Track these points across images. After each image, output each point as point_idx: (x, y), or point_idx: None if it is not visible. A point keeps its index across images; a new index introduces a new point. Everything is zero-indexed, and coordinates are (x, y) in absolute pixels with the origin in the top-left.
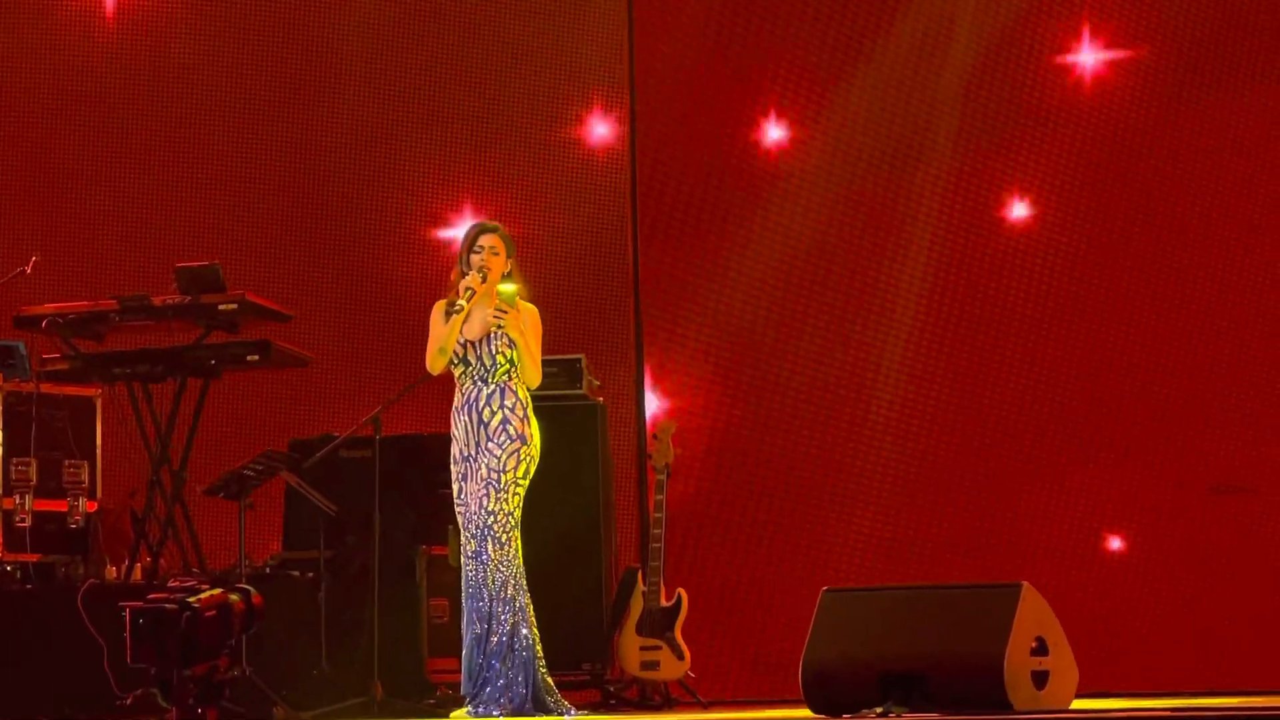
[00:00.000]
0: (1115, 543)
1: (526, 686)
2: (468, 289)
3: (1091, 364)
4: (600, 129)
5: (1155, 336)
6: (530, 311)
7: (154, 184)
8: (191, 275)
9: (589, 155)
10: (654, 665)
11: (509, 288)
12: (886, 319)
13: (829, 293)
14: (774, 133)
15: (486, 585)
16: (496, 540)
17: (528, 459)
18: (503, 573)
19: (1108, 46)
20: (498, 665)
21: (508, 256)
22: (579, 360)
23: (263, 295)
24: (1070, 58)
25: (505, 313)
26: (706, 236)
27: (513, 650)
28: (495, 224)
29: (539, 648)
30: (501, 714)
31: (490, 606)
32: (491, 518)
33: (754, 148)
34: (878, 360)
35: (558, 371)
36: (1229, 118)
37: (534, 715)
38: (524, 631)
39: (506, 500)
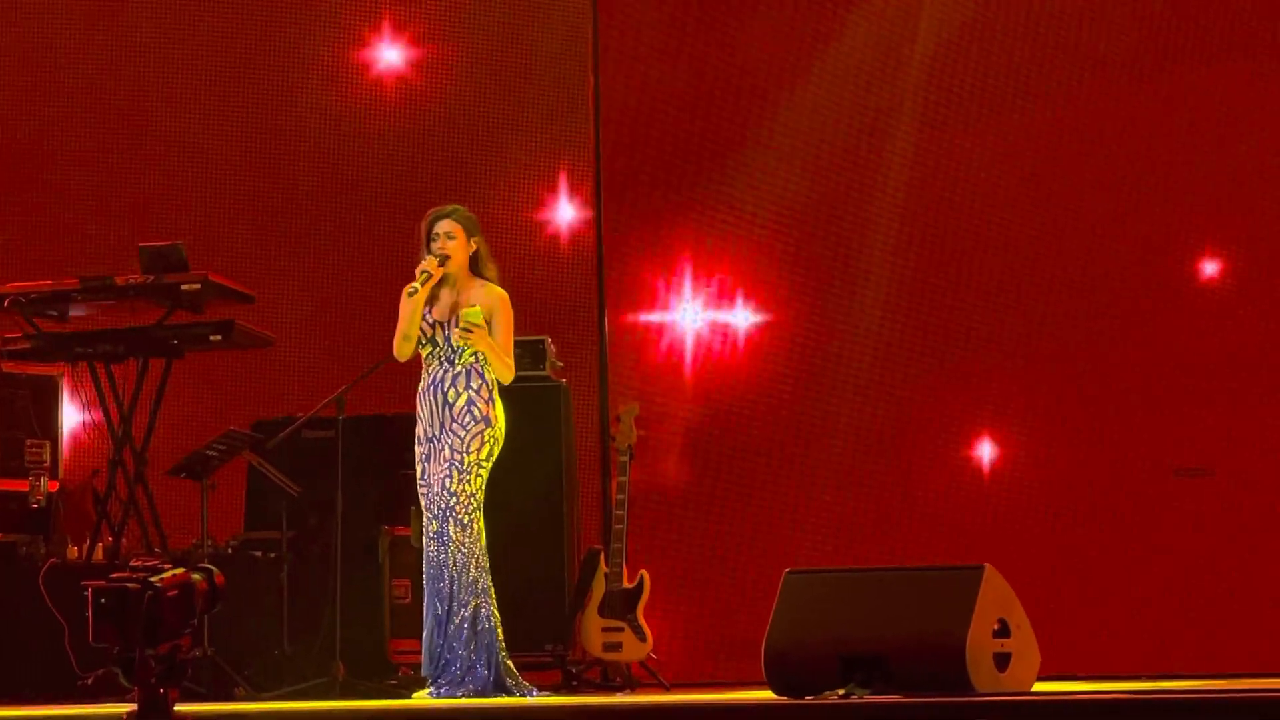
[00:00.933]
0: (1078, 526)
1: (488, 669)
2: (423, 272)
3: (1056, 347)
4: (566, 127)
5: (1118, 319)
6: (499, 298)
7: (118, 163)
8: (154, 255)
9: (551, 127)
10: (616, 647)
11: (473, 309)
12: (850, 298)
13: (792, 272)
14: (742, 110)
15: (448, 566)
16: (458, 521)
17: (491, 441)
18: (464, 554)
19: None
20: (459, 648)
21: (469, 237)
22: (543, 341)
23: (226, 275)
24: None
25: (470, 332)
26: (671, 213)
27: (475, 632)
28: (453, 207)
29: (500, 630)
30: (464, 696)
31: (451, 588)
32: (454, 499)
33: (722, 120)
34: (842, 340)
35: (522, 353)
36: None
37: (495, 697)
38: (485, 613)
39: (469, 481)
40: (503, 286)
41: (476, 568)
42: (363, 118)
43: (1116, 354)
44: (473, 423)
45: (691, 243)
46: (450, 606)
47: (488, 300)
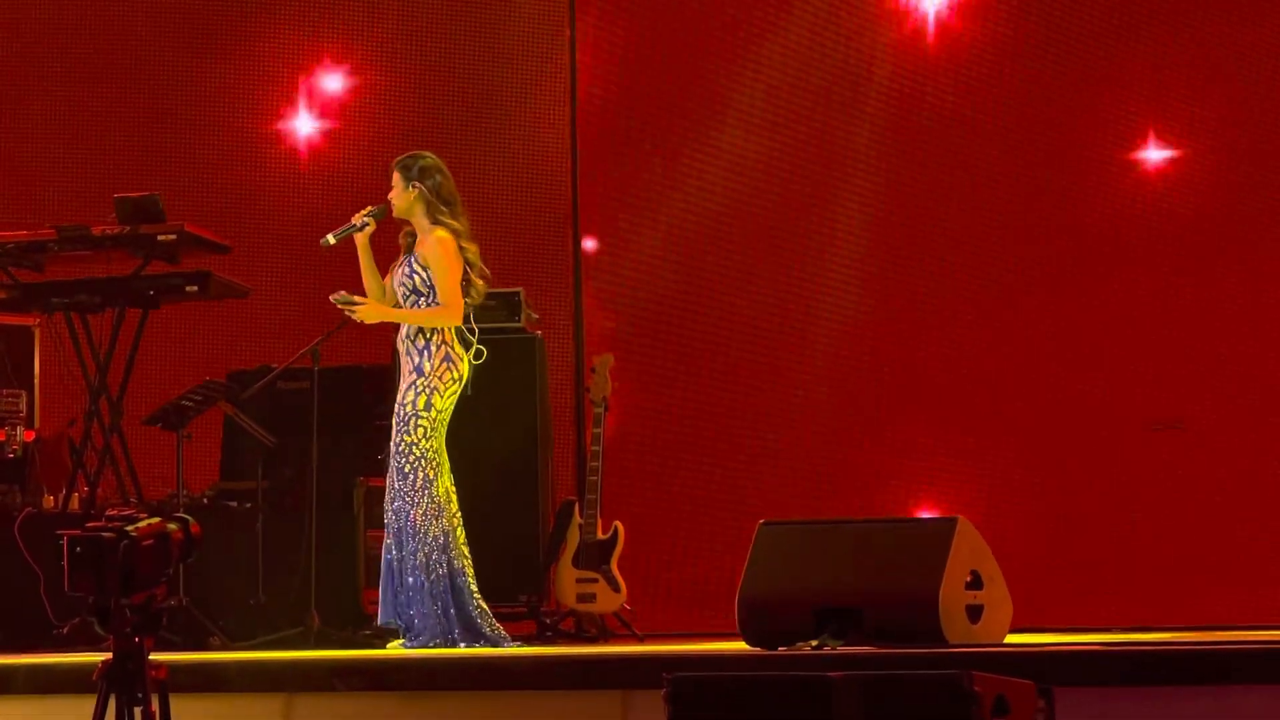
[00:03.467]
0: (1051, 478)
1: (446, 617)
2: (350, 224)
3: (1029, 300)
4: (542, 81)
5: (1093, 273)
6: (436, 241)
7: (94, 113)
8: (131, 205)
9: (528, 82)
10: (590, 598)
11: (338, 294)
12: (825, 253)
13: (769, 225)
14: (717, 70)
15: (393, 515)
16: (399, 470)
17: (427, 391)
18: (408, 504)
19: None
20: (418, 600)
21: (407, 183)
22: (518, 293)
23: (202, 226)
24: None
25: (352, 311)
26: (647, 167)
27: (430, 581)
28: (403, 156)
29: (469, 576)
30: (433, 646)
31: (398, 538)
32: (395, 448)
33: (698, 80)
34: (817, 294)
35: (496, 305)
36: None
37: (465, 645)
38: (437, 560)
39: (409, 432)
40: (468, 226)
41: (424, 517)
42: (341, 59)
43: (1091, 307)
44: (410, 373)
45: (664, 199)
46: (400, 556)
47: (424, 247)
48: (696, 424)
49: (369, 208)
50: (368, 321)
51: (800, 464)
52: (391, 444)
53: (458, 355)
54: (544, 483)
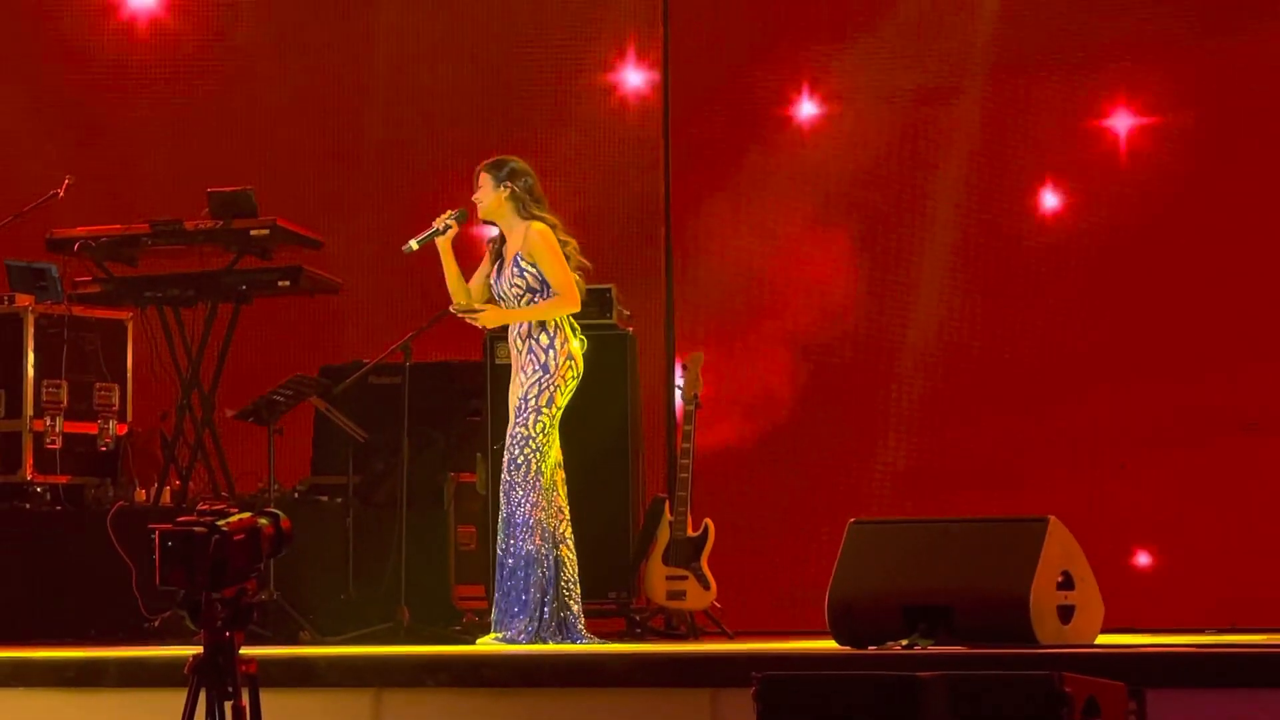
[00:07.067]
0: (1143, 479)
1: (543, 610)
2: (433, 229)
3: (1121, 300)
4: (633, 76)
5: (1188, 269)
6: (536, 235)
7: (189, 107)
8: (224, 200)
9: (620, 86)
10: (680, 595)
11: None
12: (915, 250)
13: (859, 224)
14: (810, 69)
15: (505, 504)
16: (513, 460)
17: (550, 388)
18: (520, 493)
19: None
20: (520, 590)
21: (497, 184)
22: (609, 290)
23: (294, 221)
24: None
25: (475, 315)
26: (739, 164)
27: (530, 573)
28: (490, 160)
29: (567, 572)
30: (525, 640)
31: (507, 527)
32: (511, 439)
33: (794, 72)
34: (910, 292)
35: (589, 301)
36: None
37: (553, 642)
38: (545, 553)
39: (526, 425)
40: (561, 222)
41: (530, 507)
42: (433, 59)
43: (1185, 306)
44: (533, 370)
45: (758, 194)
46: (506, 545)
47: (527, 244)
48: (787, 422)
49: (450, 211)
50: (490, 326)
51: (891, 463)
52: (508, 434)
53: (576, 352)
54: (634, 480)
